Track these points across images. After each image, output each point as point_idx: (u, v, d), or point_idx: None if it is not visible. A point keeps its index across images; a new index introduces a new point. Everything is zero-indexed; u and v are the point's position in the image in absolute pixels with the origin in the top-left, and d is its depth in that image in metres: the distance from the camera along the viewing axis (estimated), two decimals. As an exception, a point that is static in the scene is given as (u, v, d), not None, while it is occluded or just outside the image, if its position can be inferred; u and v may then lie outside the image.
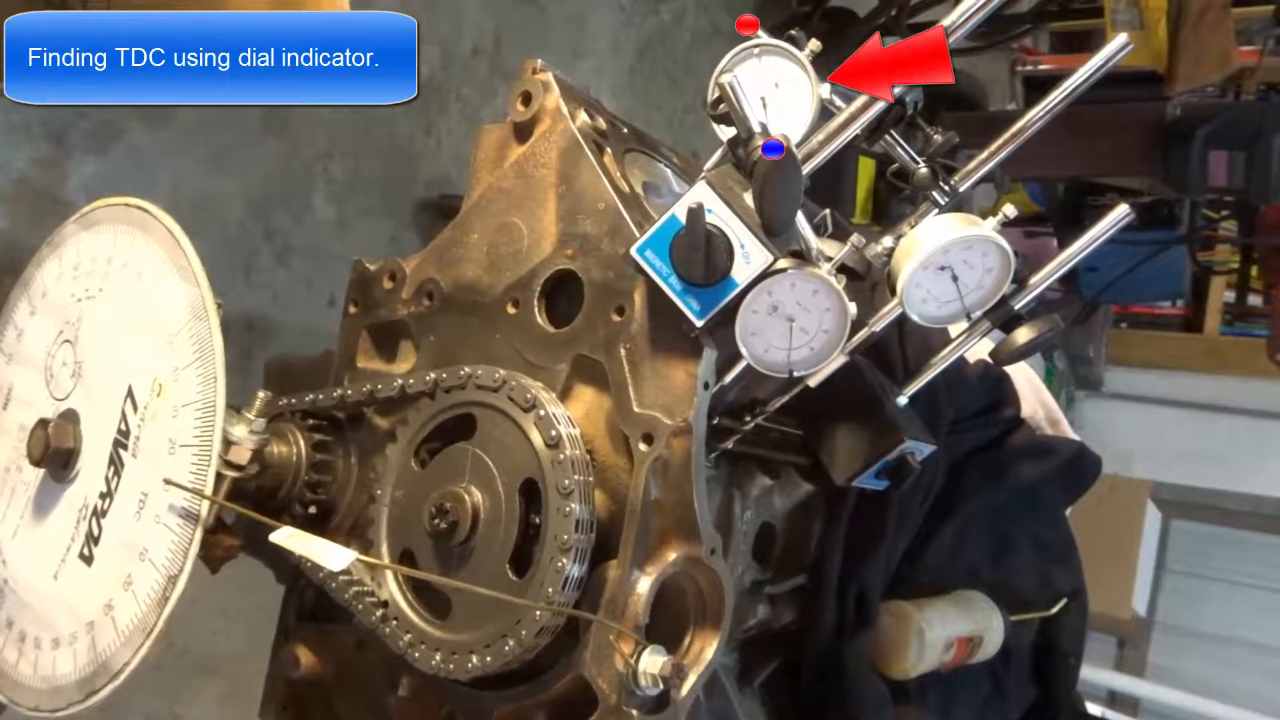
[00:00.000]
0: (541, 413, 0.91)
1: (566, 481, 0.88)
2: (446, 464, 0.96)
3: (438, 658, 0.92)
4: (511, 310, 1.00)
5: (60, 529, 0.99)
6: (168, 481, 0.91)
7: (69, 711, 0.94)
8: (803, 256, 0.90)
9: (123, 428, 0.97)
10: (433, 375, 0.99)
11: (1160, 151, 2.66)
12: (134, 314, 1.00)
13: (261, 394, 0.98)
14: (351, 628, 1.03)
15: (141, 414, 0.96)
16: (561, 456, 0.89)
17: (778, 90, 0.91)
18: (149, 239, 1.01)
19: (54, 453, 0.98)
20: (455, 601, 0.93)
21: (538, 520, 0.90)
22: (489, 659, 0.88)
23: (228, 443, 0.94)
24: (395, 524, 0.99)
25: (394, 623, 0.95)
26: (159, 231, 1.00)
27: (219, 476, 0.92)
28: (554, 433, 0.90)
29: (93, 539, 0.96)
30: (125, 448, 0.96)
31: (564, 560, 0.86)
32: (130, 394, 0.97)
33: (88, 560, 0.96)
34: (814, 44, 0.91)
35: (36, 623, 0.99)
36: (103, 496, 0.96)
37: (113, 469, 0.96)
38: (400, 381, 1.02)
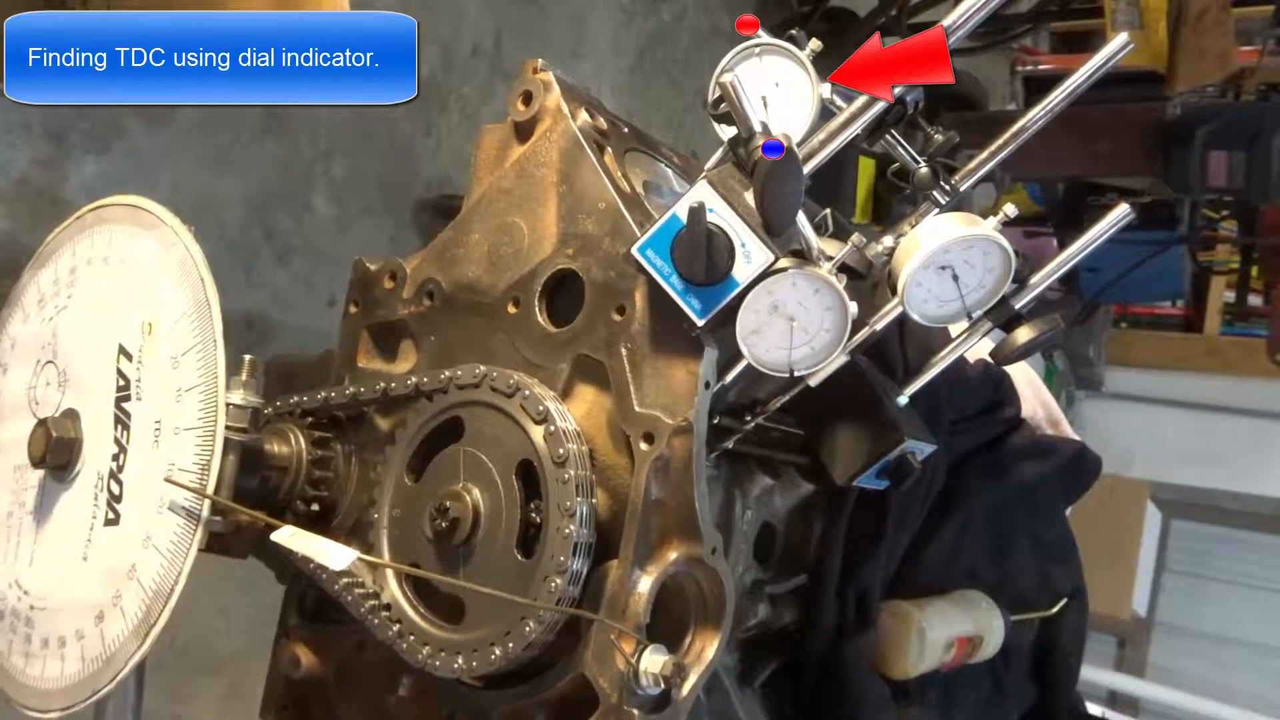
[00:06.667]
0: (526, 394, 0.91)
1: (561, 450, 0.88)
2: (440, 470, 0.96)
3: (459, 661, 0.91)
4: (512, 310, 1.00)
5: (79, 517, 0.98)
6: (169, 480, 0.91)
7: (129, 665, 0.92)
8: (803, 256, 0.90)
9: (121, 384, 0.96)
10: (413, 380, 0.99)
11: (1160, 151, 2.66)
12: (109, 292, 1.00)
13: (247, 357, 0.97)
14: (352, 628, 1.03)
15: (138, 360, 0.96)
16: (553, 429, 0.90)
17: (778, 90, 0.91)
18: (106, 226, 1.01)
19: (57, 444, 0.97)
20: (468, 600, 0.92)
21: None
22: (511, 645, 0.88)
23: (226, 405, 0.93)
24: (396, 542, 0.98)
25: (411, 638, 0.94)
26: (116, 212, 1.00)
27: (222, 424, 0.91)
28: (541, 408, 0.90)
29: (115, 499, 0.95)
30: (129, 398, 0.96)
31: (570, 527, 0.87)
32: (122, 350, 0.97)
33: (115, 521, 0.95)
34: (815, 43, 0.91)
35: (75, 615, 0.97)
36: (115, 457, 0.96)
37: (120, 427, 0.96)
38: (383, 385, 1.02)
